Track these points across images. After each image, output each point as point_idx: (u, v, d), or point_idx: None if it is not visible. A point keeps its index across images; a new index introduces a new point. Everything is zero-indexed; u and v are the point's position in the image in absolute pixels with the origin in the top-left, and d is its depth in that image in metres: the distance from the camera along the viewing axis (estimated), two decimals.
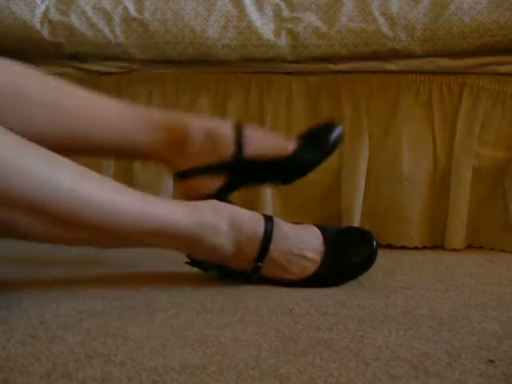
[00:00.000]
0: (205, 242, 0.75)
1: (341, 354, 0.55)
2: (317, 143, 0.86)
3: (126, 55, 1.19)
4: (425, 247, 1.15)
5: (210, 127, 0.84)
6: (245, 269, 0.79)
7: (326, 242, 0.81)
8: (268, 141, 0.85)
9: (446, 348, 0.56)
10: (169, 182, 1.21)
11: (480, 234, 1.15)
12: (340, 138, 0.88)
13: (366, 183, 1.15)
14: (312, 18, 1.14)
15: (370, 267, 0.82)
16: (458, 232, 1.12)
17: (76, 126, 0.79)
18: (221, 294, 0.77)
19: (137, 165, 1.21)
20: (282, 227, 0.80)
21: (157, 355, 0.54)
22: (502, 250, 1.13)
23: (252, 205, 1.15)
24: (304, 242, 0.80)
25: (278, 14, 1.16)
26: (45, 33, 1.17)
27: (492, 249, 1.14)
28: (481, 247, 1.16)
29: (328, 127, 0.88)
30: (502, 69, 1.12)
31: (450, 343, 0.58)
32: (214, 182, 0.84)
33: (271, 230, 0.78)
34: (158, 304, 0.71)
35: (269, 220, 0.79)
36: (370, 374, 0.50)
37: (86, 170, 0.70)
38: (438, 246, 1.15)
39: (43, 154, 0.66)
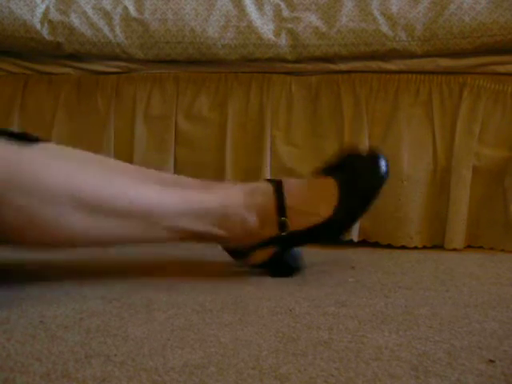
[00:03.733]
0: (231, 215, 0.82)
1: (341, 354, 0.54)
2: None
3: (125, 55, 1.19)
4: (425, 247, 1.15)
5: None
6: (275, 235, 0.84)
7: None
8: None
9: (446, 348, 0.56)
10: None
11: (480, 233, 1.15)
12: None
13: None
14: (312, 18, 1.14)
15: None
16: (458, 232, 1.12)
17: None
18: (221, 293, 0.77)
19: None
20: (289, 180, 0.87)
21: (157, 355, 0.54)
22: (502, 250, 1.13)
23: None
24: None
25: (277, 13, 1.16)
26: (45, 33, 1.17)
27: (492, 249, 1.14)
28: (481, 247, 1.16)
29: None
30: (502, 69, 1.13)
31: (450, 343, 0.58)
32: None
33: (278, 184, 0.85)
34: (157, 304, 0.71)
35: (273, 180, 0.87)
36: (370, 374, 0.50)
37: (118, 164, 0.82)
38: (438, 245, 1.15)
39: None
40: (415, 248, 1.15)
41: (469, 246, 1.15)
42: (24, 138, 0.79)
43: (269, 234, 0.84)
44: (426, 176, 1.15)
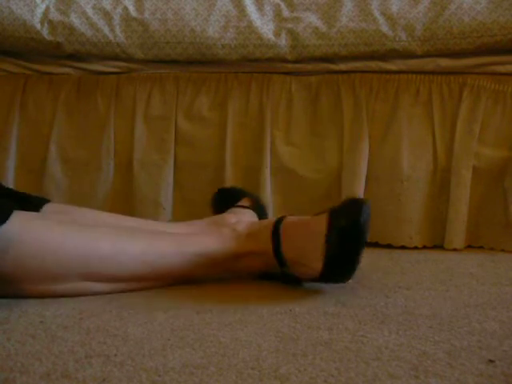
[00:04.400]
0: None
1: (341, 354, 0.54)
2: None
3: (125, 55, 1.19)
4: (425, 247, 1.15)
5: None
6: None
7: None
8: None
9: (446, 348, 0.56)
10: (168, 189, 1.21)
11: (480, 234, 1.15)
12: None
13: (366, 183, 1.15)
14: (312, 18, 1.14)
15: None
16: (458, 232, 1.12)
17: None
18: (221, 293, 0.77)
19: (137, 170, 1.21)
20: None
21: (157, 355, 0.54)
22: (502, 250, 1.13)
23: None
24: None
25: (278, 14, 1.16)
26: (45, 33, 1.17)
27: (492, 249, 1.14)
28: (481, 247, 1.16)
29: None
30: (501, 69, 1.13)
31: (450, 343, 0.58)
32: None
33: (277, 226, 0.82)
34: (158, 304, 0.71)
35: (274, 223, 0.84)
36: (370, 374, 0.50)
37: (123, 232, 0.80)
38: (438, 246, 1.15)
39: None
40: (415, 248, 1.15)
41: (469, 246, 1.15)
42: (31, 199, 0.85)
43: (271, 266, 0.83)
44: (426, 176, 1.15)
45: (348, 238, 0.74)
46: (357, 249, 0.74)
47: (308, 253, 0.77)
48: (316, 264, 0.76)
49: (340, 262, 0.75)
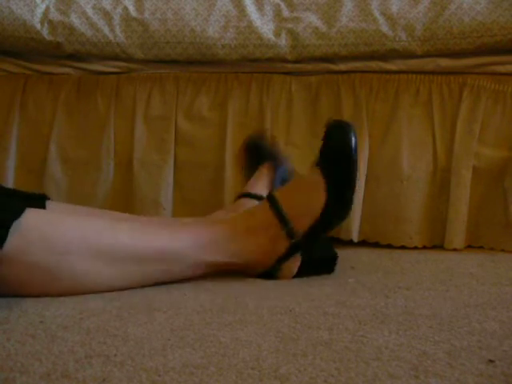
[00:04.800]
0: (239, 243, 0.83)
1: (341, 354, 0.54)
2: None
3: (125, 55, 1.19)
4: (425, 247, 1.15)
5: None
6: (289, 244, 0.84)
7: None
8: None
9: (446, 348, 0.56)
10: (168, 189, 1.21)
11: (480, 234, 1.16)
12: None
13: (365, 183, 1.15)
14: (312, 18, 1.14)
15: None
16: (457, 232, 1.12)
17: None
18: (221, 293, 0.77)
19: (137, 170, 1.21)
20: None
21: (157, 355, 0.54)
22: (502, 250, 1.13)
23: None
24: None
25: (278, 13, 1.16)
26: (45, 33, 1.17)
27: (492, 249, 1.14)
28: (481, 247, 1.16)
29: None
30: (501, 69, 1.13)
31: (450, 343, 0.58)
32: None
33: (271, 197, 0.85)
34: (158, 304, 0.71)
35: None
36: (370, 374, 0.50)
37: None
38: (438, 246, 1.15)
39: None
40: (415, 248, 1.15)
41: (469, 246, 1.15)
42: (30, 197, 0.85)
43: (283, 246, 0.84)
44: (426, 176, 1.15)
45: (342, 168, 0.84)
46: (353, 175, 0.84)
47: (307, 197, 0.84)
48: (318, 201, 0.83)
49: (340, 186, 0.83)
